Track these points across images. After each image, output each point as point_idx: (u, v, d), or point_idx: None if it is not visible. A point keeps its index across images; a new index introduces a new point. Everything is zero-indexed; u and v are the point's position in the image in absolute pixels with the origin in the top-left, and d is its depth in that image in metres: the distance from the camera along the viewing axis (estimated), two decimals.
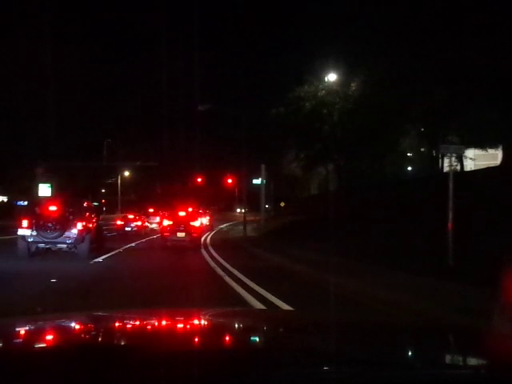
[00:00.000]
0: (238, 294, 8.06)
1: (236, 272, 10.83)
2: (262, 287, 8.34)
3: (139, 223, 30.82)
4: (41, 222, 13.67)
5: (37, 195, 41.86)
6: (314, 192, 43.90)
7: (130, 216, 31.28)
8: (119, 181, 53.06)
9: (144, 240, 24.18)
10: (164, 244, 18.30)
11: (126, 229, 29.81)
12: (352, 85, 28.78)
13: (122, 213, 41.50)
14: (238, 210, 72.08)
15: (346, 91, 29.44)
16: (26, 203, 44.86)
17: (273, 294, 7.61)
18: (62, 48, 40.05)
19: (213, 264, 13.02)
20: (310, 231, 20.22)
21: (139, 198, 54.53)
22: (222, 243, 21.32)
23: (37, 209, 14.31)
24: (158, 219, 39.07)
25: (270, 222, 33.68)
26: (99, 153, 46.16)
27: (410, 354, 1.60)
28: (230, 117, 36.76)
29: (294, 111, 29.77)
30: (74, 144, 40.55)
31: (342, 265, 10.75)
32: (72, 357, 1.24)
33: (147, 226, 33.91)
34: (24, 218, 13.81)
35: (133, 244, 20.15)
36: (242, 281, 9.45)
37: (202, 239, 21.87)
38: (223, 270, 11.39)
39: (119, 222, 31.15)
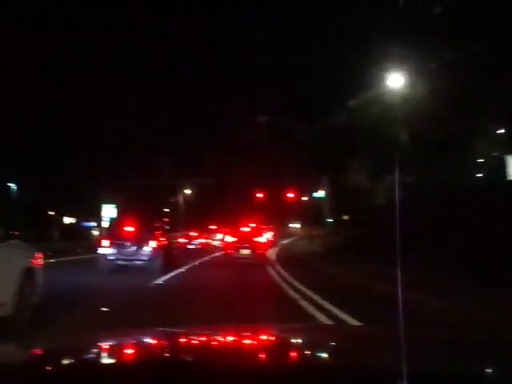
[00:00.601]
0: (318, 319, 6.94)
1: (309, 292, 9.69)
2: (344, 311, 7.18)
3: (202, 240, 30.22)
4: (119, 241, 15.04)
5: (102, 216, 42.64)
6: (381, 203, 41.95)
7: (193, 233, 30.79)
8: (181, 199, 53.22)
9: (207, 258, 23.45)
10: (228, 262, 17.41)
11: (189, 246, 29.32)
12: (419, 86, 27.16)
13: (184, 230, 41.26)
14: (292, 225, 70.41)
15: (414, 94, 27.83)
16: (93, 224, 45.66)
17: (354, 317, 6.65)
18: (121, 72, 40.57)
19: (282, 283, 11.94)
20: (378, 244, 18.67)
21: (201, 216, 54.35)
22: (287, 259, 20.22)
23: (115, 229, 16.02)
24: (220, 236, 38.55)
25: (334, 236, 32.21)
26: (160, 171, 46.44)
27: (489, 371, 1.49)
28: (289, 129, 35.83)
29: (357, 118, 28.45)
30: (134, 163, 40.74)
31: (427, 282, 9.40)
32: (143, 373, 1.23)
33: (210, 244, 33.35)
34: (104, 238, 15.53)
35: (196, 263, 19.42)
36: (318, 304, 8.28)
37: (267, 255, 20.85)
38: (295, 290, 10.28)
39: (182, 240, 30.69)
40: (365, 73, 27.89)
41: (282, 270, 15.28)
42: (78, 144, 34.96)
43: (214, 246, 33.57)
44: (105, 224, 40.91)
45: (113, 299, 8.61)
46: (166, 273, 14.05)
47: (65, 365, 1.49)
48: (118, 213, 42.36)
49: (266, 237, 17.87)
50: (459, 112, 21.10)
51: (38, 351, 1.78)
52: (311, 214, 54.96)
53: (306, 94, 28.07)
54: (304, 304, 8.41)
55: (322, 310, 7.58)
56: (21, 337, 5.09)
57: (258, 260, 16.95)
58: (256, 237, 17.35)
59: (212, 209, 55.32)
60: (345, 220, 46.41)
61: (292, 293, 10.10)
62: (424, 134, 26.57)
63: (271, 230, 35.88)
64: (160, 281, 12.40)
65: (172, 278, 13.71)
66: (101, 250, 15.02)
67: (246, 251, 16.86)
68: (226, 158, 48.70)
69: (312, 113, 31.06)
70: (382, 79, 27.71)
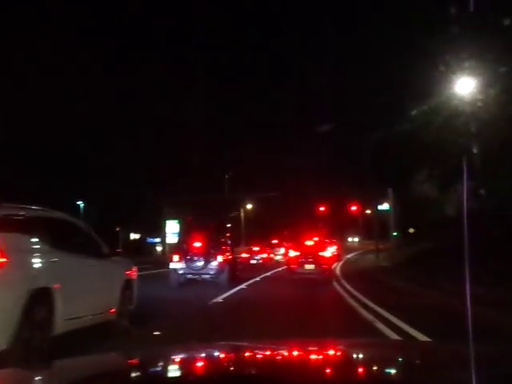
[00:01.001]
0: None
1: (385, 313, 8.66)
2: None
3: (265, 255, 29.71)
4: (188, 256, 15.88)
5: (165, 232, 43.02)
6: (451, 214, 39.83)
7: (255, 248, 30.36)
8: (242, 213, 53.01)
9: (269, 273, 22.85)
10: (291, 277, 16.71)
11: (252, 261, 28.86)
12: (491, 92, 25.60)
13: (246, 245, 40.91)
14: (350, 239, 68.07)
15: (485, 99, 26.24)
16: (157, 240, 46.08)
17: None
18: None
19: (350, 300, 11.13)
20: (450, 259, 17.31)
21: (262, 230, 53.89)
22: (353, 275, 19.27)
23: (184, 245, 16.83)
24: (282, 251, 37.86)
25: (401, 249, 30.73)
26: (221, 186, 46.44)
27: None
28: (353, 140, 34.82)
29: (423, 126, 27.08)
30: (194, 179, 40.87)
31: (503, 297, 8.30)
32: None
33: (273, 258, 32.75)
34: (175, 253, 16.39)
35: (258, 278, 18.87)
36: (396, 326, 7.39)
37: (332, 270, 19.95)
38: (366, 309, 9.46)
39: (244, 255, 30.30)
40: (429, 79, 26.66)
41: (348, 286, 14.41)
42: (140, 160, 35.41)
43: (277, 261, 32.95)
44: (169, 240, 41.29)
45: (188, 309, 9.62)
46: (230, 288, 14.06)
47: (150, 374, 1.58)
48: (182, 228, 42.77)
49: (331, 251, 17.02)
50: None
51: (133, 361, 1.88)
52: (375, 228, 53.29)
53: (369, 103, 27.06)
54: (380, 327, 7.49)
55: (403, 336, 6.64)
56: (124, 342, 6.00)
57: (323, 275, 16.11)
58: (320, 251, 16.54)
59: (273, 223, 54.71)
60: (410, 233, 44.56)
61: (363, 312, 9.26)
62: (497, 141, 24.92)
63: (335, 244, 34.83)
64: (223, 297, 12.10)
65: (237, 292, 13.50)
66: (172, 265, 15.75)
67: (310, 266, 16.06)
68: (288, 170, 48.09)
69: (376, 123, 29.96)
70: (448, 84, 26.39)
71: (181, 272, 15.69)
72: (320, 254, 16.36)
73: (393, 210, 32.60)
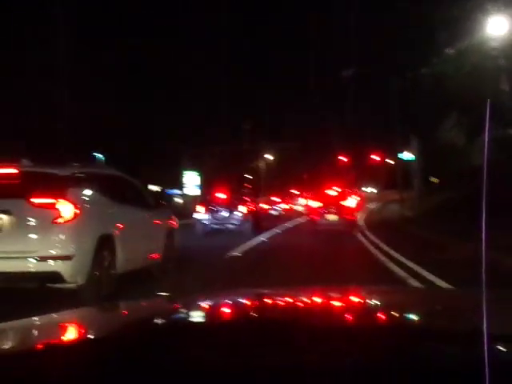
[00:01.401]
0: None
1: (416, 267, 7.92)
2: None
3: (285, 206, 28.92)
4: (213, 207, 16.63)
5: (184, 183, 42.53)
6: (476, 164, 38.49)
7: (275, 199, 29.54)
8: (262, 164, 52.21)
9: (290, 225, 22.22)
10: (313, 228, 15.93)
11: (272, 212, 28.16)
12: None
13: (266, 196, 40.31)
14: (369, 190, 66.76)
15: None
16: (176, 192, 45.67)
17: None
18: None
19: (379, 255, 10.38)
20: (474, 208, 16.24)
21: (282, 182, 53.13)
22: (378, 225, 18.50)
23: (209, 196, 17.79)
24: (303, 201, 37.13)
25: (423, 199, 29.58)
26: (240, 136, 45.40)
27: None
28: (377, 84, 33.20)
29: (454, 69, 25.57)
30: (213, 129, 39.79)
31: None
32: (235, 330, 1.28)
33: (293, 209, 32.07)
34: (200, 204, 17.18)
35: (278, 230, 18.24)
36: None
37: (356, 221, 18.75)
38: (398, 265, 8.60)
39: (264, 206, 29.60)
40: (462, 18, 24.88)
41: (373, 237, 13.69)
42: (158, 114, 34.40)
43: (297, 212, 32.35)
44: (189, 191, 40.84)
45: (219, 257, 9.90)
46: (252, 238, 14.13)
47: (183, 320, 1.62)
48: (202, 180, 42.21)
49: (354, 201, 16.19)
50: None
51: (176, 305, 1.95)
52: (398, 177, 52.00)
53: (395, 43, 25.41)
54: (413, 283, 6.77)
55: None
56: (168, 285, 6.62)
57: (347, 226, 15.34)
58: (343, 201, 15.74)
59: (294, 174, 53.79)
60: (433, 183, 43.24)
61: (395, 268, 8.42)
62: None
63: (358, 194, 33.83)
64: (244, 248, 11.66)
65: (258, 244, 12.98)
66: (197, 216, 16.37)
67: (332, 217, 15.28)
68: (310, 120, 46.57)
69: (403, 66, 28.30)
70: (482, 24, 24.63)
71: (206, 222, 16.34)
72: (343, 203, 15.57)
73: (417, 158, 31.26)
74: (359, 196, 33.42)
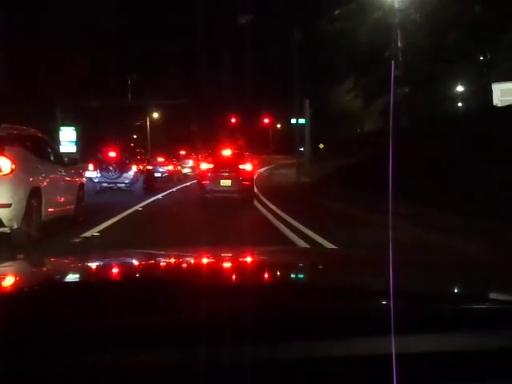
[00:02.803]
0: None
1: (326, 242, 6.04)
2: None
3: (170, 167, 25.80)
4: (104, 166, 16.53)
5: (60, 140, 37.77)
6: (368, 130, 37.82)
7: (160, 159, 26.35)
8: (148, 123, 48.43)
9: (175, 189, 19.50)
10: (203, 196, 13.14)
11: (155, 174, 25.09)
12: None
13: (151, 157, 36.91)
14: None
15: None
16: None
17: None
18: None
19: (287, 231, 8.16)
20: (370, 176, 14.75)
21: (170, 142, 49.74)
22: (276, 193, 16.42)
23: (99, 154, 17.48)
24: (191, 163, 34.48)
25: (314, 165, 28.09)
26: (123, 91, 41.01)
27: (458, 289, 1.53)
28: (271, 38, 30.92)
29: (354, 26, 23.99)
30: (92, 81, 35.28)
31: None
32: (126, 289, 1.25)
33: (180, 171, 29.18)
34: (90, 163, 16.92)
35: (159, 196, 15.51)
36: None
37: (253, 189, 16.30)
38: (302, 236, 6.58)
39: (149, 167, 26.40)
40: None
41: (276, 209, 11.33)
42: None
43: (185, 175, 29.76)
44: (65, 148, 36.33)
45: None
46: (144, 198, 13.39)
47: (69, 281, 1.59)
48: (77, 136, 38.11)
49: (250, 164, 13.65)
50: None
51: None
52: (295, 142, 51.08)
53: None
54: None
55: None
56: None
57: (244, 194, 12.84)
58: (240, 163, 13.19)
59: (182, 133, 50.57)
60: (321, 149, 42.54)
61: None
62: (432, 45, 22.57)
63: (250, 157, 31.60)
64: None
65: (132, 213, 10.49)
66: (87, 174, 15.16)
67: (226, 182, 12.70)
68: (198, 73, 43.13)
69: (301, 18, 26.13)
70: None
71: (96, 181, 16.20)
72: (240, 166, 13.01)
73: (308, 123, 29.49)
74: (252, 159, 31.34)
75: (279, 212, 10.61)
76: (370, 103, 27.04)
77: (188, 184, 22.26)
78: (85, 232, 7.54)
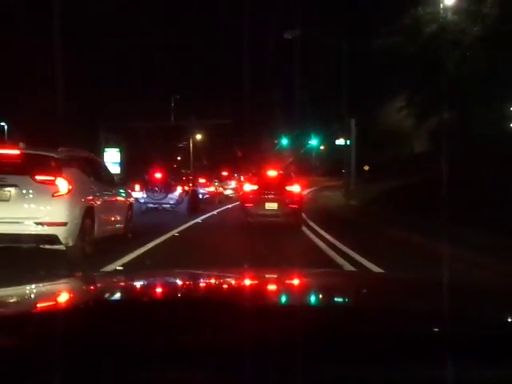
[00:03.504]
0: None
1: None
2: None
3: (212, 189, 24.85)
4: (150, 187, 16.83)
5: (104, 160, 37.68)
6: (416, 151, 35.96)
7: (201, 180, 25.47)
8: (191, 144, 48.07)
9: (216, 212, 18.45)
10: (245, 220, 11.95)
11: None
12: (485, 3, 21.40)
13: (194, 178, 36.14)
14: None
15: (480, 10, 21.88)
16: None
17: None
18: None
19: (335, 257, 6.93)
20: (427, 199, 13.10)
21: (213, 163, 49.10)
22: (325, 216, 15.13)
23: (146, 176, 17.57)
24: (233, 184, 33.57)
25: (360, 187, 26.44)
26: (166, 113, 40.59)
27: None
28: (319, 54, 29.88)
29: (407, 41, 22.69)
30: (135, 104, 35.10)
31: None
32: (173, 308, 1.28)
33: (221, 193, 28.24)
34: (136, 183, 16.84)
35: (199, 220, 14.44)
36: None
37: (302, 213, 13.87)
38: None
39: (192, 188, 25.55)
40: None
41: (329, 236, 10.05)
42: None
43: (226, 197, 28.83)
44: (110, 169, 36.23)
45: None
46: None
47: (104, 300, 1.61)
48: (121, 158, 38.13)
49: (298, 186, 12.29)
50: None
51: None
52: (329, 164, 49.71)
53: (342, 10, 22.01)
54: None
55: None
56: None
57: (291, 219, 11.58)
58: (288, 185, 11.95)
59: (226, 155, 49.85)
60: (365, 171, 40.77)
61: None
62: (489, 63, 21.01)
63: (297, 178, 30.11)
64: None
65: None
66: (134, 194, 14.88)
67: (272, 205, 11.52)
68: (243, 94, 42.26)
69: (351, 32, 24.94)
70: None
71: (142, 201, 16.32)
72: (287, 188, 11.77)
73: (352, 143, 27.94)
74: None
75: (332, 239, 9.35)
76: (423, 122, 25.45)
77: (230, 206, 21.26)
78: (133, 251, 7.66)
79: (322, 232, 10.69)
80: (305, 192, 37.60)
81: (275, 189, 11.72)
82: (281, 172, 13.21)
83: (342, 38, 23.04)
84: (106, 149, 38.08)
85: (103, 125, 37.14)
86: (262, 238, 9.44)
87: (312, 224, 12.41)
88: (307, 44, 24.07)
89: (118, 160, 38.67)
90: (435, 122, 27.22)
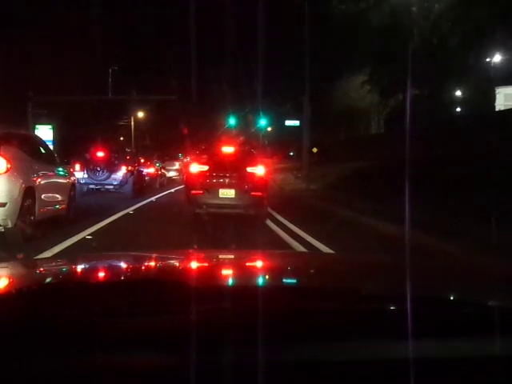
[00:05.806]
0: None
1: None
2: None
3: (151, 170, 21.89)
4: (91, 166, 16.03)
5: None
6: (377, 131, 34.25)
7: (142, 160, 22.38)
8: (132, 122, 44.67)
9: (154, 198, 15.53)
10: (192, 211, 9.15)
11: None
12: None
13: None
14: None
15: None
16: None
17: None
18: None
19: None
20: (390, 182, 11.06)
21: (157, 144, 45.82)
22: (288, 204, 12.85)
23: (86, 154, 16.64)
24: (177, 165, 30.73)
25: (313, 171, 24.16)
26: (104, 88, 36.84)
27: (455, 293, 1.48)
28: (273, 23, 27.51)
29: (372, 7, 20.71)
30: (69, 78, 31.59)
31: None
32: (116, 290, 1.23)
33: (163, 175, 25.36)
34: (76, 163, 15.54)
35: (129, 210, 11.46)
36: None
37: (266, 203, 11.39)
38: None
39: (138, 168, 22.47)
40: None
41: (300, 232, 7.64)
42: None
43: (169, 179, 26.14)
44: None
45: None
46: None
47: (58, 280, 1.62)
48: (54, 135, 34.64)
49: (262, 168, 9.48)
50: None
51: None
52: (277, 146, 47.83)
53: None
54: None
55: None
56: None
57: (253, 210, 8.91)
58: (248, 166, 9.23)
59: (171, 133, 46.60)
60: (314, 153, 38.77)
61: None
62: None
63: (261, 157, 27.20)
64: None
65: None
66: None
67: (228, 192, 8.77)
68: (190, 68, 38.97)
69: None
70: None
71: (82, 182, 15.38)
72: (248, 170, 9.05)
73: (303, 125, 25.56)
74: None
75: (307, 237, 6.94)
76: (387, 98, 23.47)
77: (172, 191, 18.78)
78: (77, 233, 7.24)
79: (292, 226, 8.25)
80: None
81: (232, 170, 8.98)
82: (239, 148, 10.43)
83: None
84: (36, 126, 34.47)
85: (32, 99, 33.42)
86: (213, 239, 6.65)
87: (278, 216, 9.86)
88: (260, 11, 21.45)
89: (51, 138, 35.09)
90: (394, 102, 25.40)
